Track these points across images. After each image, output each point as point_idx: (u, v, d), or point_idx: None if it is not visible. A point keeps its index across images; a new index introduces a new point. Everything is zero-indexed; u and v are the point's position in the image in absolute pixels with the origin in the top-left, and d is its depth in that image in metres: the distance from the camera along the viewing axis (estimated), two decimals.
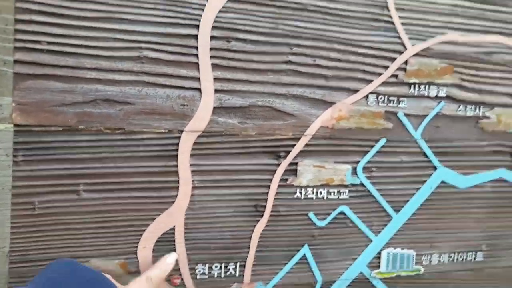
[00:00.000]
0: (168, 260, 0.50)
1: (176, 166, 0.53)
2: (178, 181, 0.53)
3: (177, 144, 0.53)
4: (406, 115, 0.63)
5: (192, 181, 0.54)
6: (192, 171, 0.54)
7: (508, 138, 0.69)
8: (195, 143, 0.53)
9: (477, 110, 0.67)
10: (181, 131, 0.52)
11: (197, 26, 0.52)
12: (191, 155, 0.53)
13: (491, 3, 0.66)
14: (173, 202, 0.53)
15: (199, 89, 0.53)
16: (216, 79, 0.53)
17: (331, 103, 0.59)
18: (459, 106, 0.66)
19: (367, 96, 0.61)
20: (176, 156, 0.53)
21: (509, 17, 0.67)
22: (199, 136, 0.53)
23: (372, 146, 0.62)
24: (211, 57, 0.53)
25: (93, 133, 0.49)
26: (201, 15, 0.52)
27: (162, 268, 0.49)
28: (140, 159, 0.52)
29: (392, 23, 0.61)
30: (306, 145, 0.58)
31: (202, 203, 0.55)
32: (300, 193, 0.59)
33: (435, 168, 0.65)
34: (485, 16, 0.66)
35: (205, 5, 0.52)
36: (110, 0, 0.49)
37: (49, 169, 0.48)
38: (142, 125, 0.51)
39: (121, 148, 0.51)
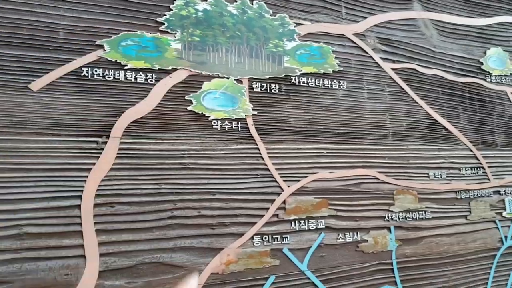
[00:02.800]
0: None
1: None
2: None
3: None
4: (291, 250, 0.68)
5: None
6: None
7: (386, 256, 0.77)
8: None
9: (355, 235, 0.75)
10: None
11: (80, 197, 0.55)
12: None
13: (352, 143, 0.78)
14: None
15: (83, 256, 0.54)
16: (101, 244, 0.56)
17: (219, 250, 0.63)
18: (339, 234, 0.73)
19: (252, 238, 0.66)
20: None
21: (369, 153, 0.79)
22: None
23: (262, 285, 0.65)
24: (95, 223, 0.56)
25: None
26: (83, 186, 0.56)
27: None
28: None
29: (268, 169, 0.69)
30: None
31: None
32: None
33: None
34: (348, 154, 0.77)
35: (87, 176, 0.56)
36: None
37: None
38: None
39: None
